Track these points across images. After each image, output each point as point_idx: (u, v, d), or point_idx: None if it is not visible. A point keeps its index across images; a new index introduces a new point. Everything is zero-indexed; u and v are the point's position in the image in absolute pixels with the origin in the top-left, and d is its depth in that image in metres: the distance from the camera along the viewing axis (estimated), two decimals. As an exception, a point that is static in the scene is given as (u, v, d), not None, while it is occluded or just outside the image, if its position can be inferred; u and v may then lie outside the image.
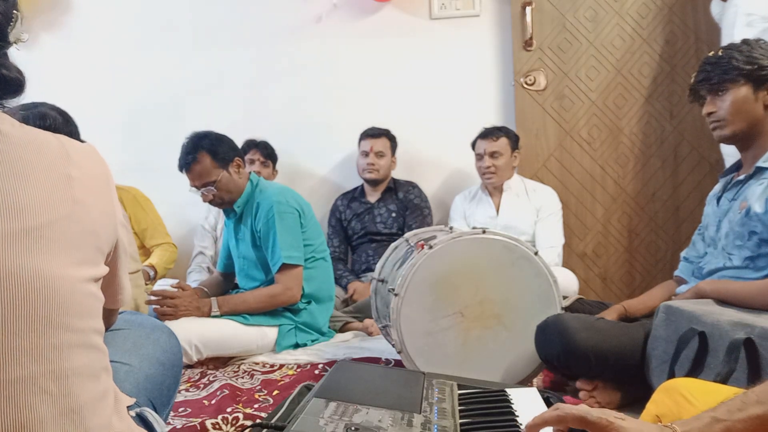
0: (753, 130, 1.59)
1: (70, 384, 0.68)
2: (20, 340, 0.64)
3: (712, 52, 1.65)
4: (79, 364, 0.69)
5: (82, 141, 1.81)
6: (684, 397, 0.94)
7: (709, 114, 1.64)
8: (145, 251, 2.95)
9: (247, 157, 2.95)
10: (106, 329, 1.00)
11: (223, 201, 2.29)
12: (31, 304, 0.65)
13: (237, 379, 1.96)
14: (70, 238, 0.70)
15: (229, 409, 1.61)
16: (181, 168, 2.25)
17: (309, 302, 2.30)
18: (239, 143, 2.45)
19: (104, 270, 0.78)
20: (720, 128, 1.63)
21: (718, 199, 1.71)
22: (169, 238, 2.99)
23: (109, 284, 0.86)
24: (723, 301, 1.50)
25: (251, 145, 3.00)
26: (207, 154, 2.22)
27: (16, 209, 0.65)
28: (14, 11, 0.73)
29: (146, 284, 2.66)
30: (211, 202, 2.29)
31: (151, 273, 2.81)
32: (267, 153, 3.03)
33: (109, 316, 0.99)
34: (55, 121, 1.69)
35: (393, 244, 2.10)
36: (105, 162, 0.83)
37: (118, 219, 0.83)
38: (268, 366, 2.10)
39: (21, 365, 0.64)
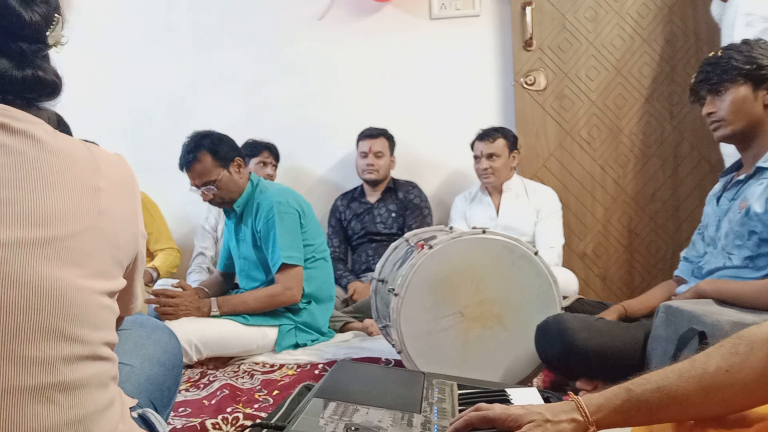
0: (753, 129, 1.59)
1: (79, 395, 0.68)
2: (33, 350, 0.64)
3: (712, 53, 1.65)
4: (88, 375, 0.69)
5: None
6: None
7: (709, 114, 1.64)
8: (149, 254, 2.96)
9: (258, 159, 2.94)
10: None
11: (223, 200, 2.29)
12: (45, 314, 0.64)
13: (237, 379, 1.96)
14: (91, 251, 0.70)
15: (229, 409, 1.61)
16: (181, 167, 2.26)
17: (309, 302, 2.30)
18: (240, 143, 2.45)
19: (122, 283, 0.78)
20: (720, 128, 1.63)
21: (718, 199, 1.71)
22: (174, 243, 3.02)
23: (124, 294, 0.85)
24: (723, 301, 1.50)
25: (261, 147, 2.97)
26: (208, 154, 2.22)
27: (40, 218, 0.65)
28: (56, 15, 0.74)
29: (147, 285, 2.67)
30: (211, 202, 2.30)
31: (154, 275, 2.82)
32: (276, 155, 3.03)
33: (118, 321, 0.99)
34: (48, 122, 1.69)
35: (393, 244, 2.10)
36: (132, 173, 0.82)
37: (140, 231, 0.82)
38: (268, 366, 2.10)
39: (32, 375, 0.63)
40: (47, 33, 0.73)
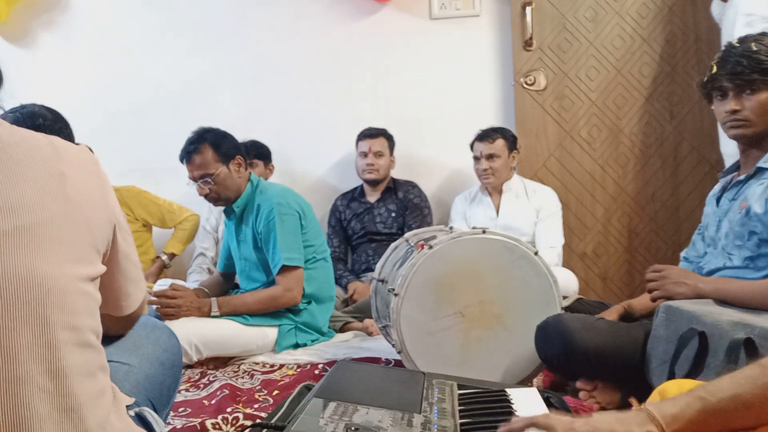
0: (765, 131, 1.57)
1: (68, 382, 0.68)
2: (18, 338, 0.64)
3: (740, 42, 1.56)
4: (75, 362, 0.70)
5: (73, 139, 1.83)
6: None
7: (733, 111, 1.56)
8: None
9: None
10: (122, 336, 1.00)
11: (219, 197, 2.27)
12: (27, 303, 0.65)
13: (237, 379, 1.96)
14: (64, 236, 0.70)
15: (229, 409, 1.61)
16: (182, 158, 2.25)
17: (309, 302, 2.30)
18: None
19: (101, 269, 0.78)
20: (741, 127, 1.56)
21: (718, 199, 1.70)
22: (186, 210, 3.04)
23: (109, 288, 0.85)
24: (723, 301, 1.49)
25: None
26: (210, 147, 2.22)
27: (8, 208, 0.66)
28: None
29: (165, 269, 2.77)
30: (206, 197, 2.27)
31: (166, 260, 2.96)
32: (255, 153, 2.99)
33: (118, 323, 0.98)
34: (45, 119, 1.72)
35: (393, 244, 2.10)
36: (97, 160, 0.83)
37: (115, 216, 0.83)
38: (268, 366, 2.10)
39: (18, 363, 0.64)
40: None
